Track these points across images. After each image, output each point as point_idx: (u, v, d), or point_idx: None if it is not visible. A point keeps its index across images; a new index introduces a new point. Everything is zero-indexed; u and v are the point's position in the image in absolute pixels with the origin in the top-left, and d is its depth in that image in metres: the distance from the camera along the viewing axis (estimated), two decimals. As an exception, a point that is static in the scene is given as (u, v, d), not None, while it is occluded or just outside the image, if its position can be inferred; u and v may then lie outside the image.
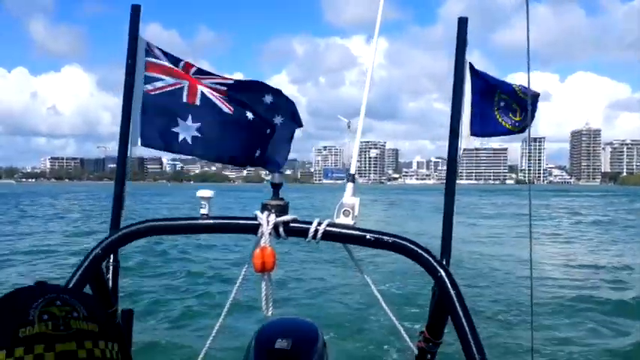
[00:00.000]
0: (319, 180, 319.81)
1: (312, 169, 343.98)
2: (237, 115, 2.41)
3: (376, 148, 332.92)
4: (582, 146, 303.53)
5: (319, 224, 1.72)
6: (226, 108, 2.40)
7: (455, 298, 1.57)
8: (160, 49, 2.44)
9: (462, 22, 2.29)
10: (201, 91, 2.39)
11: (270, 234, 1.69)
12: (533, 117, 2.81)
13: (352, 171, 1.99)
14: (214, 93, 2.40)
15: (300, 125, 2.56)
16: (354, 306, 10.14)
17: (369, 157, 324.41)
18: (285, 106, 2.48)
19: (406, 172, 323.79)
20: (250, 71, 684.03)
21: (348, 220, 1.77)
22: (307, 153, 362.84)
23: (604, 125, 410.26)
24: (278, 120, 2.46)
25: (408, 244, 1.67)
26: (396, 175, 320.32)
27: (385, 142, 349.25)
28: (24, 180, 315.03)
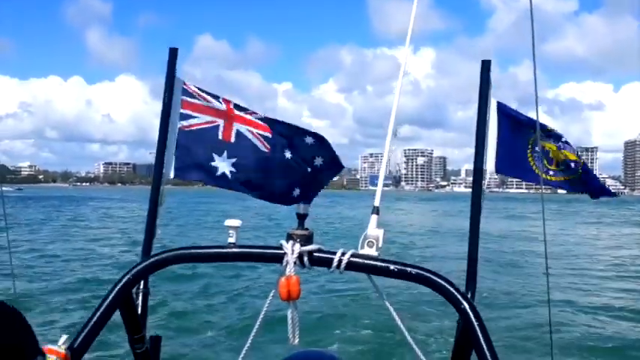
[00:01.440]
0: (365, 186, 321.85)
1: (359, 176, 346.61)
2: (275, 153, 2.46)
3: (424, 156, 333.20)
4: (636, 156, 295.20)
5: (343, 254, 1.73)
6: (263, 146, 2.46)
7: (479, 331, 1.55)
8: (198, 88, 2.57)
9: (486, 65, 2.37)
10: (237, 129, 2.47)
11: (295, 263, 1.71)
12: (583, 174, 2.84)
13: (376, 203, 1.95)
14: (251, 130, 2.47)
15: (342, 167, 2.62)
16: (377, 339, 9.91)
17: (417, 165, 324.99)
18: (326, 148, 2.51)
19: (454, 180, 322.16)
20: (298, 80, 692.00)
21: (372, 251, 1.77)
22: (354, 160, 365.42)
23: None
24: (318, 161, 2.48)
25: (431, 276, 1.66)
26: (444, 183, 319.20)
27: (433, 150, 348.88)
28: (78, 184, 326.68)
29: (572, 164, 2.83)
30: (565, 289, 14.46)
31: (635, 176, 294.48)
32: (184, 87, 2.54)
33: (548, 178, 2.82)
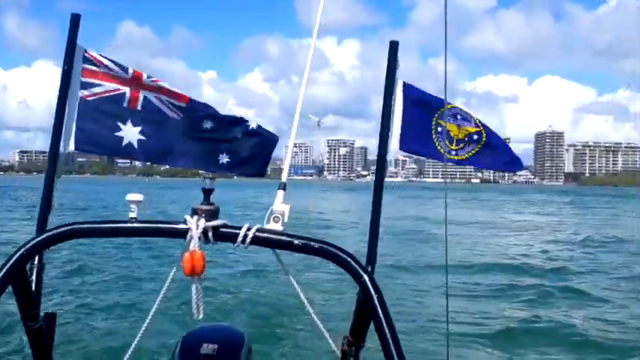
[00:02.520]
0: (289, 176, 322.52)
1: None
2: (189, 120, 2.38)
3: (346, 146, 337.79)
4: (546, 147, 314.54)
5: (248, 229, 1.72)
6: (174, 114, 2.38)
7: (377, 303, 1.59)
8: (103, 56, 2.45)
9: (393, 45, 2.44)
10: (145, 96, 2.37)
11: (199, 238, 1.69)
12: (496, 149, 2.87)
13: (283, 179, 2.04)
14: (160, 97, 2.38)
15: (276, 139, 2.59)
16: (282, 311, 10.21)
17: (339, 155, 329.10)
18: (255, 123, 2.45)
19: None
20: (223, 69, 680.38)
21: (278, 226, 1.78)
22: (278, 150, 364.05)
23: (570, 128, 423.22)
24: (253, 125, 2.43)
25: (334, 250, 1.69)
26: (365, 173, 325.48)
27: (354, 141, 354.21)
28: None
29: (475, 136, 2.88)
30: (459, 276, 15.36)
31: (544, 166, 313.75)
32: (86, 55, 2.43)
33: (452, 157, 2.87)
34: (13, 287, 1.83)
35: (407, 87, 2.72)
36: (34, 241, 1.74)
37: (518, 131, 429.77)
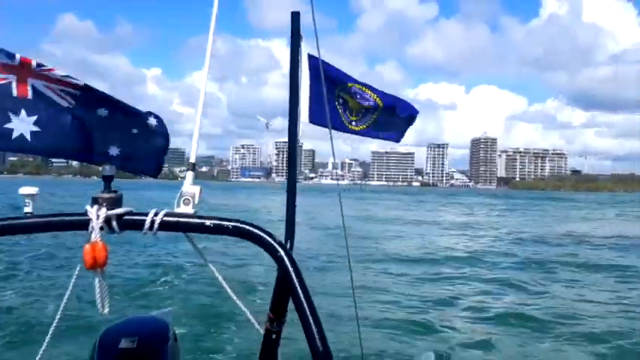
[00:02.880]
0: (236, 178, 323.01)
1: (230, 167, 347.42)
2: (81, 109, 2.18)
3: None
4: (480, 153, 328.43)
5: (156, 214, 1.65)
6: (64, 101, 2.18)
7: (294, 277, 1.58)
8: None
9: (295, 16, 2.41)
10: (32, 84, 2.18)
11: (102, 228, 1.60)
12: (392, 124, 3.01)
13: (192, 160, 1.98)
14: (51, 85, 2.17)
15: (168, 138, 2.27)
16: (205, 296, 10.44)
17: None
18: (156, 115, 2.24)
19: (322, 172, 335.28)
20: (170, 66, 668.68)
21: (189, 209, 1.72)
22: (225, 151, 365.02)
23: (503, 135, 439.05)
24: (152, 122, 2.20)
25: (249, 228, 1.65)
26: (312, 175, 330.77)
27: (302, 143, 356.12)
28: None
29: (371, 104, 2.99)
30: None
31: (479, 171, 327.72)
32: None
33: (353, 127, 2.97)
34: None
35: (312, 59, 2.71)
36: None
37: (456, 137, 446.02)
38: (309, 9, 2.45)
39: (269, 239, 1.63)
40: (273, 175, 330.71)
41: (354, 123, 2.98)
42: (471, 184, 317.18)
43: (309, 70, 2.78)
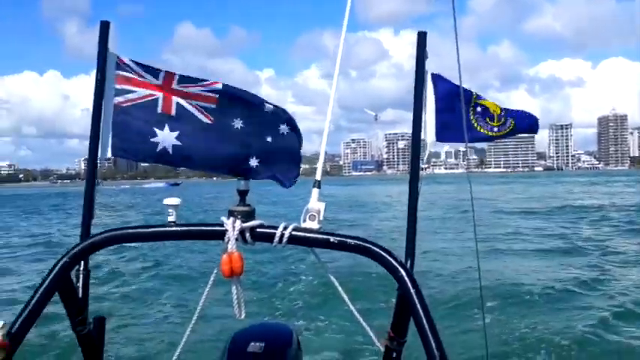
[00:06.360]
0: (348, 172, 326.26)
1: (342, 162, 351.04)
2: (220, 124, 2.33)
3: (404, 140, 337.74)
4: (610, 132, 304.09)
5: (285, 229, 1.75)
6: (205, 117, 2.34)
7: (415, 297, 1.59)
8: (134, 62, 2.46)
9: (421, 36, 2.44)
10: (177, 102, 2.36)
11: (236, 239, 1.72)
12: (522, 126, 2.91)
13: (318, 177, 2.03)
14: (192, 102, 2.35)
15: (301, 140, 2.38)
16: (322, 307, 10.27)
17: (398, 149, 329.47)
18: (289, 118, 2.32)
19: (435, 162, 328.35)
20: (280, 68, 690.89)
21: (314, 225, 1.80)
22: (336, 146, 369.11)
23: (635, 111, 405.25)
24: (284, 129, 2.29)
25: (370, 246, 1.70)
26: (425, 166, 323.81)
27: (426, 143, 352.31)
28: (59, 181, 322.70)
29: (502, 112, 2.96)
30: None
31: (609, 151, 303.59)
32: (118, 61, 2.46)
33: (494, 134, 2.92)
34: (60, 294, 1.87)
35: (436, 77, 2.74)
36: (76, 249, 1.78)
37: (584, 115, 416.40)
38: None
39: (389, 259, 1.66)
40: (385, 167, 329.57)
41: (495, 129, 2.92)
42: (600, 165, 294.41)
43: (434, 88, 2.75)
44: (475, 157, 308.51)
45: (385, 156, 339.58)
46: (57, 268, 1.74)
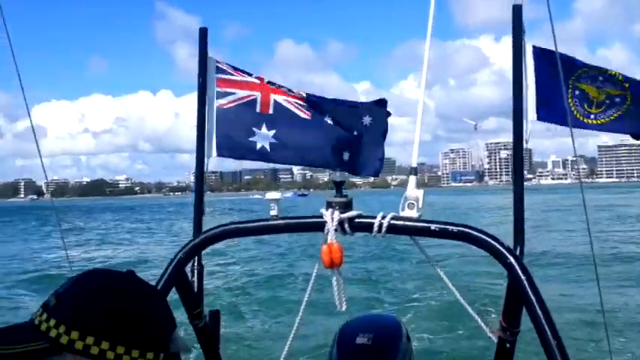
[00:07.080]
0: (447, 183, 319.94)
1: (440, 173, 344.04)
2: (316, 120, 2.41)
3: (507, 149, 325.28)
4: None
5: (383, 218, 1.75)
6: (303, 114, 2.42)
7: (526, 284, 1.53)
8: (230, 66, 2.56)
9: (516, 10, 2.32)
10: (274, 100, 2.45)
11: (335, 230, 1.75)
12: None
13: (413, 164, 2.03)
14: (289, 100, 2.43)
15: (389, 114, 2.46)
16: (426, 298, 10.29)
17: (500, 159, 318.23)
18: (375, 107, 2.43)
19: (541, 172, 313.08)
20: (377, 79, 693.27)
21: (413, 213, 1.77)
22: (434, 157, 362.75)
23: None
24: (367, 120, 2.38)
25: (475, 232, 1.64)
26: (530, 176, 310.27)
27: (528, 142, 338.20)
28: (171, 194, 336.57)
29: (617, 99, 2.66)
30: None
31: None
32: (218, 65, 2.53)
33: (590, 122, 2.67)
34: (177, 288, 1.96)
35: (537, 50, 2.57)
36: (190, 244, 1.90)
37: None
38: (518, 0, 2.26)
39: (497, 245, 1.61)
40: (486, 177, 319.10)
41: (592, 116, 2.67)
42: None
43: (535, 63, 2.57)
44: (585, 166, 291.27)
45: (486, 166, 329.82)
46: (174, 264, 1.86)
